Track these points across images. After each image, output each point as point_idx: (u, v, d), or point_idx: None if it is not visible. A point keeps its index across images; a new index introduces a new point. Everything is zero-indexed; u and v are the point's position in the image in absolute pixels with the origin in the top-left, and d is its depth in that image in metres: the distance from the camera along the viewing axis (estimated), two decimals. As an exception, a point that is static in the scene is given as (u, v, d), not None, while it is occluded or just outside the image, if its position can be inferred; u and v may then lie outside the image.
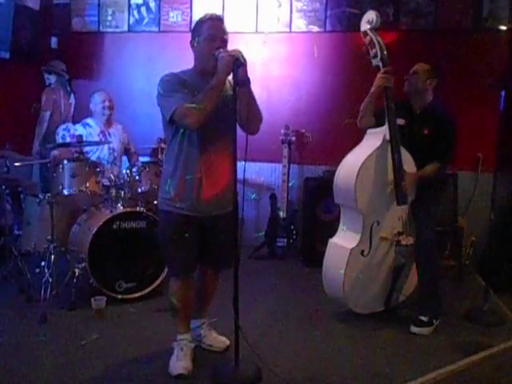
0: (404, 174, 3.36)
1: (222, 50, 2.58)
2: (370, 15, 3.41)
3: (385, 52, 3.37)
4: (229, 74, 2.55)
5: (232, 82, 2.58)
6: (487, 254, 4.51)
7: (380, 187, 3.42)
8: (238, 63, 2.52)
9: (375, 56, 3.39)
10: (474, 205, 4.79)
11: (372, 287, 3.53)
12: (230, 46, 2.67)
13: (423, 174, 3.46)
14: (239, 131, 2.66)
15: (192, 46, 2.73)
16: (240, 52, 2.55)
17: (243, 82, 2.56)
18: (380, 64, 3.38)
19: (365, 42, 3.43)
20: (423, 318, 3.40)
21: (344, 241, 3.51)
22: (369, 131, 3.55)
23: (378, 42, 3.37)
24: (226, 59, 2.51)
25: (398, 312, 3.64)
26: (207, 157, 2.69)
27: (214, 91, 2.54)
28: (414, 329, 3.38)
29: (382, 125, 3.45)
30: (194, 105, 2.52)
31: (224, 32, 2.69)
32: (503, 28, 5.03)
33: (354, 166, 3.36)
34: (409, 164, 3.45)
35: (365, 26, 3.44)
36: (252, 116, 2.70)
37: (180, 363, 2.75)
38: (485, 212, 3.99)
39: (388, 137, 3.35)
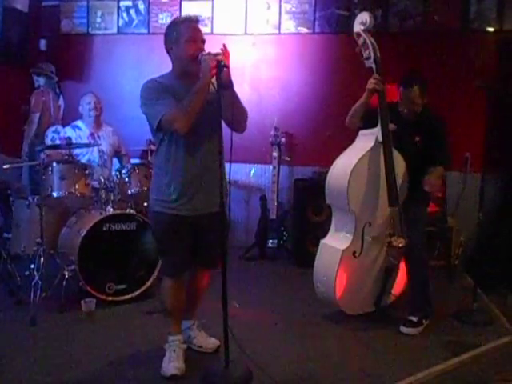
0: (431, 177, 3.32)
1: (204, 52, 2.58)
2: (364, 16, 3.40)
3: (378, 53, 3.36)
4: (213, 77, 2.56)
5: (216, 83, 2.59)
6: (476, 254, 4.54)
7: (372, 188, 3.44)
8: (221, 66, 2.53)
9: (368, 57, 3.38)
10: (463, 205, 4.82)
11: (363, 288, 3.54)
12: (219, 48, 2.68)
13: (437, 173, 3.40)
14: (226, 132, 2.67)
15: (169, 50, 2.71)
16: (222, 54, 2.56)
17: (226, 86, 2.57)
18: (373, 65, 3.37)
19: (358, 43, 3.42)
20: (413, 319, 3.42)
21: (336, 242, 3.51)
22: (361, 132, 3.56)
23: (372, 44, 3.36)
24: (210, 62, 2.52)
25: (388, 312, 3.64)
26: (195, 158, 2.69)
27: (200, 95, 2.55)
28: (403, 329, 3.39)
29: (368, 126, 3.47)
30: (180, 110, 2.53)
31: (202, 33, 2.69)
32: (490, 29, 5.07)
33: (347, 168, 3.37)
34: (400, 166, 3.47)
35: (358, 27, 3.42)
36: (237, 115, 2.70)
37: (173, 364, 2.75)
38: (473, 212, 4.01)
39: (380, 138, 3.37)
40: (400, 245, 3.37)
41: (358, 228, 3.43)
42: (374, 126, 3.44)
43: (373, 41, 3.38)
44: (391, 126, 3.37)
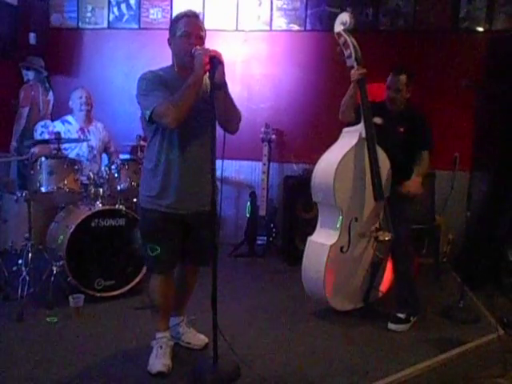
0: (410, 181, 3.49)
1: (198, 47, 2.57)
2: (344, 17, 3.46)
3: (359, 52, 3.42)
4: (205, 72, 2.54)
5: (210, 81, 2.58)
6: (464, 252, 4.58)
7: (357, 184, 3.48)
8: (214, 61, 2.51)
9: (349, 56, 3.44)
10: (451, 203, 4.85)
11: (351, 283, 3.57)
12: (211, 44, 2.66)
13: (423, 170, 3.58)
14: (219, 129, 2.67)
15: (169, 45, 2.73)
16: (219, 53, 2.54)
17: (218, 85, 2.56)
18: (354, 64, 3.43)
19: (339, 43, 3.47)
20: (400, 316, 3.45)
21: (323, 238, 3.53)
22: (344, 130, 3.62)
23: (352, 43, 3.42)
24: (203, 57, 2.51)
25: (376, 309, 3.67)
26: (187, 155, 2.68)
27: (191, 89, 2.53)
28: (391, 326, 3.42)
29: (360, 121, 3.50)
30: (171, 103, 2.52)
31: (200, 29, 2.67)
32: (480, 29, 5.11)
33: (332, 164, 3.41)
34: (384, 163, 3.52)
35: (339, 28, 3.48)
36: (230, 117, 2.72)
37: (159, 361, 2.74)
38: (462, 210, 4.04)
39: (364, 134, 3.42)
40: (386, 238, 3.41)
41: (344, 223, 3.46)
42: None
43: (353, 40, 3.43)
44: (378, 120, 3.46)
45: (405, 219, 3.54)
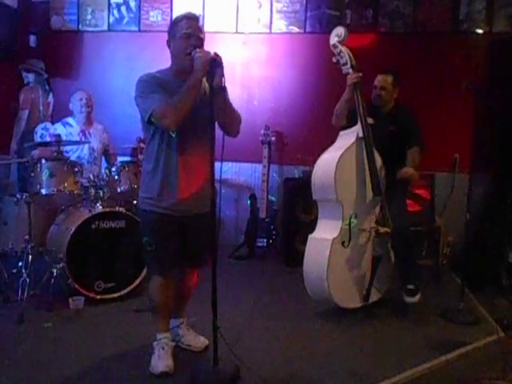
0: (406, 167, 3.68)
1: (198, 49, 2.57)
2: (339, 30, 3.75)
3: (353, 61, 3.68)
4: (205, 74, 2.54)
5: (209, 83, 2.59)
6: (463, 254, 4.58)
7: (356, 180, 3.62)
8: (214, 63, 2.52)
9: (345, 64, 3.70)
10: (451, 205, 4.86)
11: (353, 279, 3.61)
12: (210, 47, 2.67)
13: (414, 164, 3.74)
14: (218, 131, 2.67)
15: (168, 46, 2.73)
16: (219, 56, 2.55)
17: (217, 88, 2.56)
18: (350, 70, 3.68)
19: (334, 53, 3.74)
20: (411, 287, 3.72)
21: (324, 234, 3.59)
22: (341, 132, 3.77)
23: (347, 53, 3.69)
24: (203, 59, 2.51)
25: (376, 309, 3.68)
26: (186, 157, 2.69)
27: (191, 91, 2.53)
28: (407, 299, 3.71)
29: (353, 124, 3.65)
30: (170, 105, 2.52)
31: (200, 31, 2.67)
32: (479, 31, 5.12)
33: (332, 161, 3.54)
34: (378, 162, 3.67)
35: (334, 40, 3.75)
36: (229, 120, 2.73)
37: (162, 362, 2.74)
38: (461, 212, 4.04)
39: (361, 134, 3.59)
40: (385, 231, 3.57)
41: (345, 218, 3.54)
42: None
43: (348, 50, 3.72)
44: (369, 120, 3.64)
45: (402, 210, 3.77)
